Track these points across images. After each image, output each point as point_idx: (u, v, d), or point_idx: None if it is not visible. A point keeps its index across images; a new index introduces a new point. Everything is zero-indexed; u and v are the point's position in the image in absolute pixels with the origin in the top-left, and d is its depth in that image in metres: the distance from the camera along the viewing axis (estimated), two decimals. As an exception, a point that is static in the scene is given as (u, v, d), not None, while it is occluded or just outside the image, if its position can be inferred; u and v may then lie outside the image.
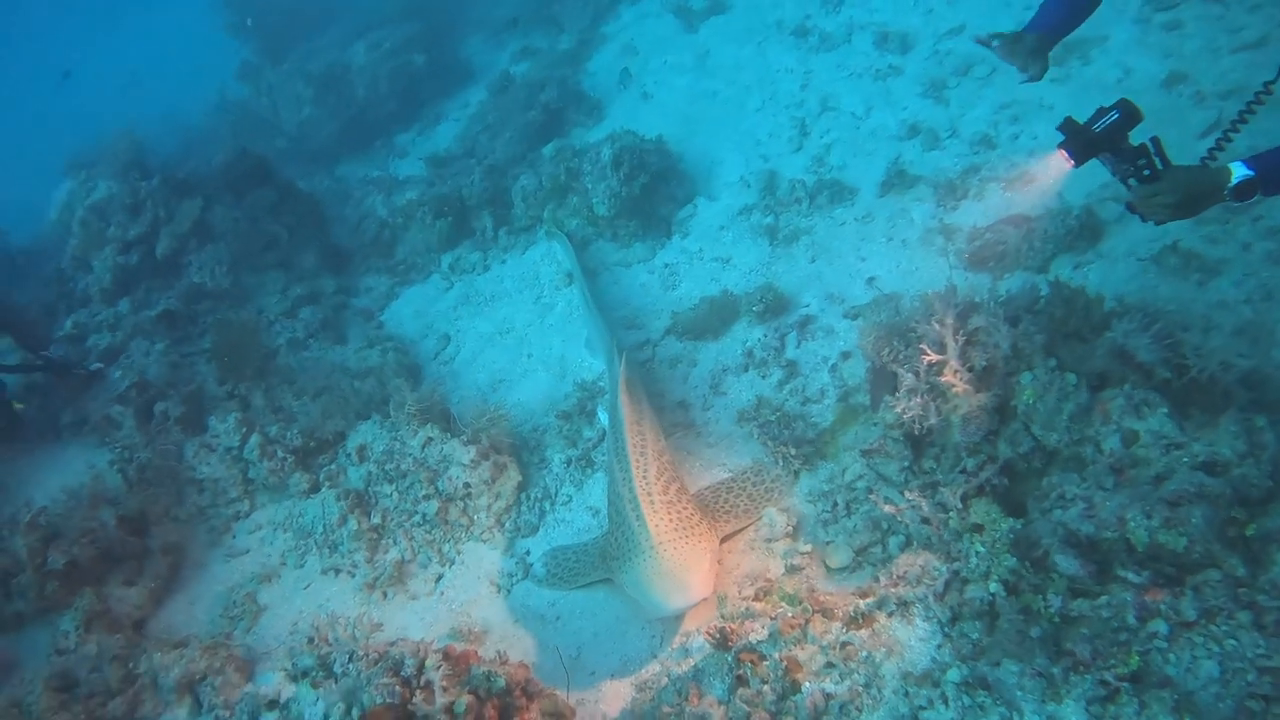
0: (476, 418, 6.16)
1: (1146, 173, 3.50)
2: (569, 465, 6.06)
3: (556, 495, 5.95)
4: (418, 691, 3.67)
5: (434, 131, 12.09)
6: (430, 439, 6.04)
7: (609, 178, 7.65)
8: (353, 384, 6.93)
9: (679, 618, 4.69)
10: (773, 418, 5.58)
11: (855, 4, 9.43)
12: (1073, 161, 3.63)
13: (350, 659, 4.00)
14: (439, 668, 3.75)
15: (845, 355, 5.92)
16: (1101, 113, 3.53)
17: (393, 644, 4.02)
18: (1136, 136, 3.59)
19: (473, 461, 5.88)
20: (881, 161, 7.33)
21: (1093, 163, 3.73)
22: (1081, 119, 3.62)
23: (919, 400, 4.33)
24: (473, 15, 14.46)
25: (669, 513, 4.65)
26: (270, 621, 5.62)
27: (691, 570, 4.44)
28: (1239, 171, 3.31)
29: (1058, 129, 3.67)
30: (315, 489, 6.31)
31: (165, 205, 8.01)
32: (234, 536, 6.31)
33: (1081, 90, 6.96)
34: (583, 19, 12.15)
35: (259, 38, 13.14)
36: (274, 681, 4.54)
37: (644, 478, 4.81)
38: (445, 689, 3.67)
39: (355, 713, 3.61)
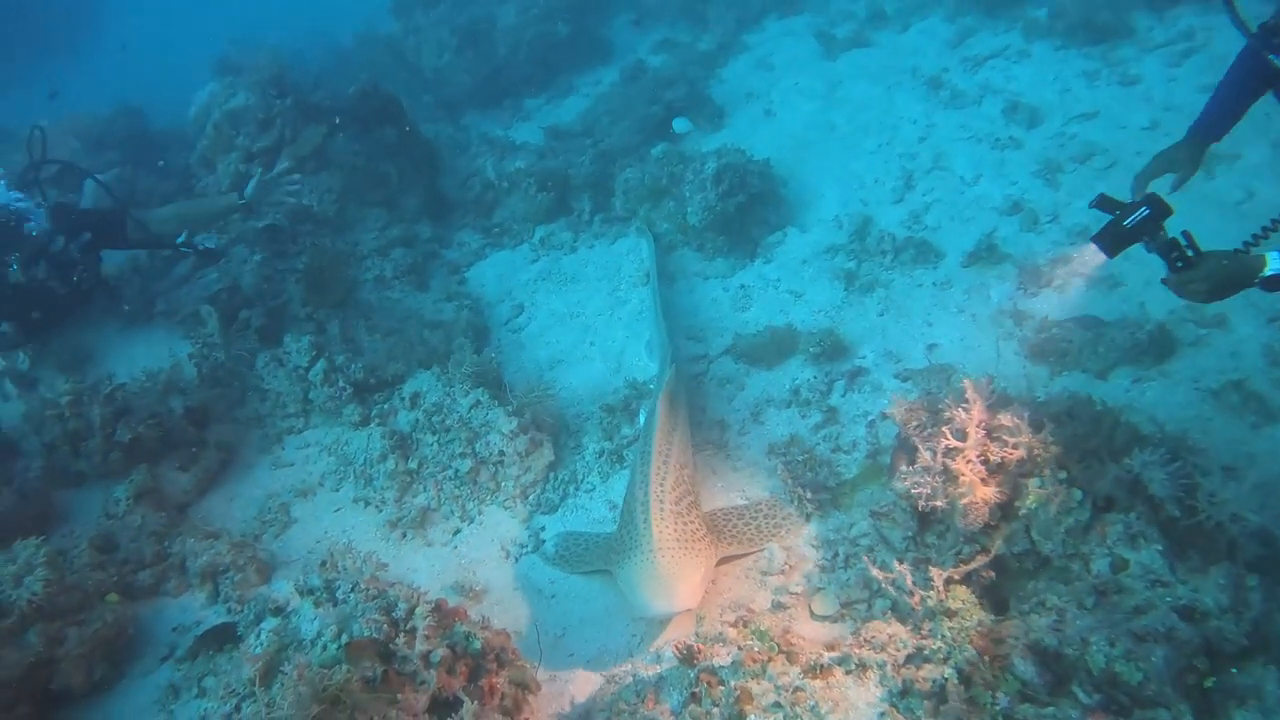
0: (526, 392, 6.47)
1: (1180, 264, 3.67)
2: (600, 456, 6.31)
3: (582, 482, 6.22)
4: (402, 634, 3.98)
5: (562, 103, 12.43)
6: (479, 402, 6.36)
7: (708, 190, 7.84)
8: (422, 332, 7.30)
9: (662, 623, 4.93)
10: (800, 458, 5.75)
11: (996, 67, 9.41)
12: (1106, 254, 3.90)
13: (353, 589, 4.33)
14: (426, 617, 4.05)
15: (885, 414, 6.05)
16: (1133, 207, 3.76)
17: (393, 585, 4.34)
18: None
19: (512, 432, 6.18)
20: (976, 231, 7.38)
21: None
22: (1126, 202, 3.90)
23: (929, 479, 4.47)
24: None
25: (675, 522, 4.88)
26: (297, 534, 6.04)
27: (682, 580, 4.66)
28: (1273, 263, 3.45)
29: (1092, 205, 3.97)
30: (365, 423, 6.70)
31: (293, 125, 8.51)
32: (283, 448, 6.75)
33: (1199, 203, 6.85)
34: (728, 22, 12.32)
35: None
36: (285, 590, 4.92)
37: (660, 484, 5.04)
38: (427, 637, 3.97)
39: (344, 638, 3.94)
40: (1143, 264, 6.36)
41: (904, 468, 4.77)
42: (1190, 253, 3.67)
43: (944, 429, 4.52)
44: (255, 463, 6.62)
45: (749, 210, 8.08)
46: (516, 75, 12.54)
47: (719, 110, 10.57)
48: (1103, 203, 3.92)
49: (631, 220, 8.75)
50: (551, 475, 6.28)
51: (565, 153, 9.93)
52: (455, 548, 5.90)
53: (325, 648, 3.90)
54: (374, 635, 3.93)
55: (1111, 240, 3.82)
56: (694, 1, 12.95)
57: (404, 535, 5.96)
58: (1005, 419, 4.42)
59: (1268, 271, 3.45)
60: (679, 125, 9.53)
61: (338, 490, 6.36)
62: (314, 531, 6.03)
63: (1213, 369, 5.56)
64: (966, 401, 4.57)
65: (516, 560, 5.76)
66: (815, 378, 6.47)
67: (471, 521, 6.07)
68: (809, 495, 5.50)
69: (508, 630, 4.55)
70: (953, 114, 9.03)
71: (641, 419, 6.27)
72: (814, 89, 10.40)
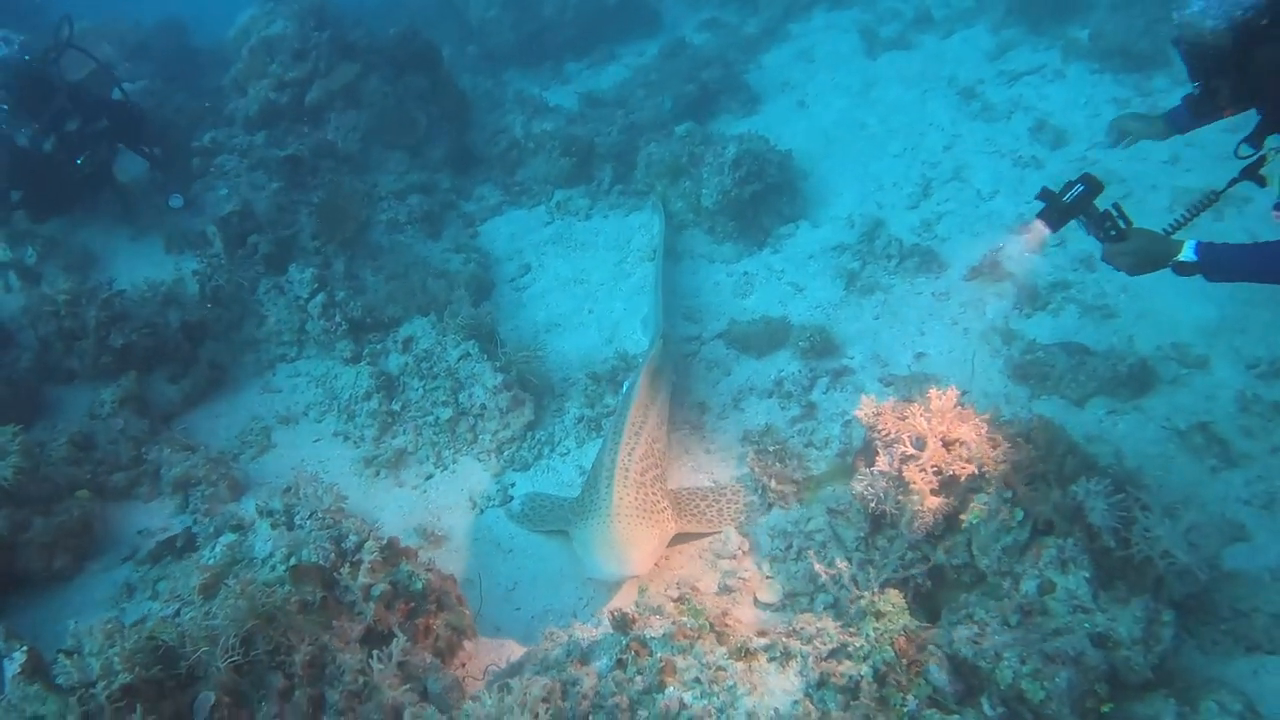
0: (516, 350, 6.60)
1: (1113, 233, 4.06)
2: (579, 422, 6.43)
3: (558, 444, 6.34)
4: (348, 565, 4.13)
5: (602, 70, 12.46)
6: (468, 354, 6.49)
7: (725, 175, 7.88)
8: (426, 280, 7.42)
9: (611, 587, 5.06)
10: (772, 448, 5.85)
11: (1030, 84, 9.36)
12: (1050, 229, 4.30)
13: (310, 516, 4.50)
14: (374, 553, 4.20)
15: (853, 415, 6.11)
16: (1070, 185, 4.21)
17: (349, 518, 4.50)
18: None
19: (497, 388, 6.30)
20: (983, 246, 7.37)
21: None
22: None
23: (884, 484, 4.55)
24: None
25: (637, 491, 4.99)
26: (273, 458, 6.22)
27: (635, 547, 4.77)
28: (1187, 251, 3.83)
29: (1036, 198, 4.37)
30: (356, 360, 6.85)
31: (328, 59, 8.61)
32: (274, 374, 6.93)
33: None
34: (776, 8, 12.29)
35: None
36: (251, 510, 5.11)
37: (628, 454, 5.14)
38: (372, 571, 4.13)
39: (292, 560, 4.10)
40: (1138, 297, 6.56)
41: (862, 469, 4.87)
42: (1121, 223, 4.05)
43: (904, 436, 4.60)
44: (245, 385, 6.80)
45: (763, 199, 8.12)
46: (561, 37, 12.57)
47: (753, 96, 10.57)
48: (1044, 194, 4.36)
49: (649, 195, 8.80)
50: (529, 434, 6.40)
51: (595, 120, 10.01)
52: (425, 492, 6.05)
53: (274, 568, 4.06)
54: (320, 562, 4.08)
55: (1054, 215, 4.23)
56: (744, -16, 12.93)
57: (377, 473, 6.11)
58: (964, 432, 4.49)
59: (1181, 257, 3.82)
60: None
61: (320, 421, 6.53)
62: (291, 458, 6.20)
63: (1186, 409, 5.59)
64: (930, 411, 4.65)
65: (482, 512, 5.90)
66: (800, 372, 6.54)
67: (445, 469, 6.22)
68: (774, 485, 5.61)
69: (455, 577, 4.70)
70: (981, 126, 9.01)
71: (624, 390, 6.38)
72: (849, 86, 10.38)
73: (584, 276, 8.07)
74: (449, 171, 9.27)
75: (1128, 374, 5.83)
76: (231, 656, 3.28)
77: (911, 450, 4.54)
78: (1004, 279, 7.10)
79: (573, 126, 9.61)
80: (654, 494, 5.11)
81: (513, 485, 6.10)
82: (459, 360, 6.50)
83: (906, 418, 4.75)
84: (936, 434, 4.55)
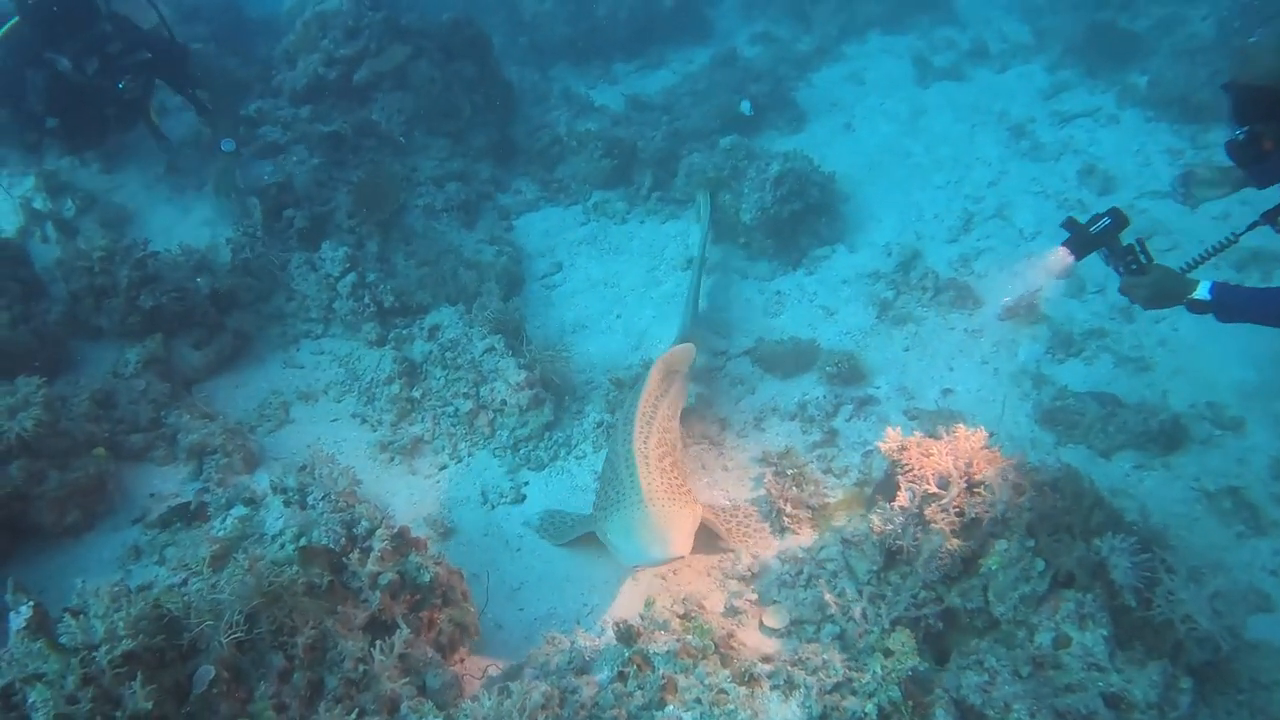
0: (542, 349, 6.57)
1: (1134, 266, 4.22)
2: (599, 427, 6.37)
3: (575, 447, 6.29)
4: (358, 551, 4.10)
5: (651, 74, 12.39)
6: (494, 348, 6.46)
7: (766, 191, 7.82)
8: (458, 269, 7.40)
9: (620, 594, 4.98)
10: (790, 471, 5.78)
11: (1082, 127, 9.25)
12: (1073, 256, 4.48)
13: (324, 497, 4.47)
14: (385, 541, 4.17)
15: (877, 446, 6.03)
16: (1097, 217, 4.34)
17: (362, 503, 4.46)
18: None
19: (519, 385, 6.27)
20: (1021, 286, 7.25)
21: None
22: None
23: (901, 520, 4.48)
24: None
25: (661, 476, 4.89)
26: (290, 434, 6.20)
27: (675, 528, 4.64)
28: (1201, 290, 4.00)
29: (1061, 226, 4.57)
30: (381, 343, 6.83)
31: (379, 40, 8.59)
32: (298, 350, 6.91)
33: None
34: (831, 28, 12.19)
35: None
36: (264, 484, 5.09)
37: (644, 441, 5.05)
38: (381, 559, 4.09)
39: (302, 541, 4.07)
40: (1175, 352, 6.47)
41: (882, 503, 4.80)
42: (1143, 258, 4.21)
43: (928, 474, 4.54)
44: (268, 358, 6.79)
45: (803, 219, 8.05)
46: (612, 37, 12.52)
47: (800, 114, 10.49)
48: (1070, 223, 4.54)
49: (689, 205, 8.73)
50: (547, 434, 6.36)
51: (640, 124, 9.96)
52: (438, 482, 6.02)
53: (283, 546, 4.02)
54: (331, 545, 4.05)
55: (1078, 243, 4.40)
56: (802, 0, 12.86)
57: (392, 459, 6.09)
58: (990, 475, 4.42)
59: (1195, 295, 3.97)
60: (745, 107, 9.60)
61: (340, 401, 6.51)
62: (307, 435, 6.18)
63: (1216, 470, 5.50)
64: (956, 450, 4.59)
65: (493, 508, 5.87)
66: (825, 397, 6.47)
67: (460, 461, 6.19)
68: (789, 509, 5.54)
69: (462, 572, 4.66)
70: (1028, 165, 8.91)
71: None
72: (898, 113, 10.29)
73: (615, 280, 8.02)
74: (489, 162, 9.24)
75: (1158, 429, 5.73)
76: (235, 633, 3.25)
77: (935, 489, 4.48)
78: (1039, 321, 7.01)
79: (617, 129, 9.57)
80: (677, 478, 5.02)
81: (526, 484, 6.06)
82: (484, 353, 6.47)
83: (931, 454, 4.69)
84: (961, 474, 4.49)
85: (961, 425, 4.83)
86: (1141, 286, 4.19)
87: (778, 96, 10.43)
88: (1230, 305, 3.96)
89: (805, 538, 5.45)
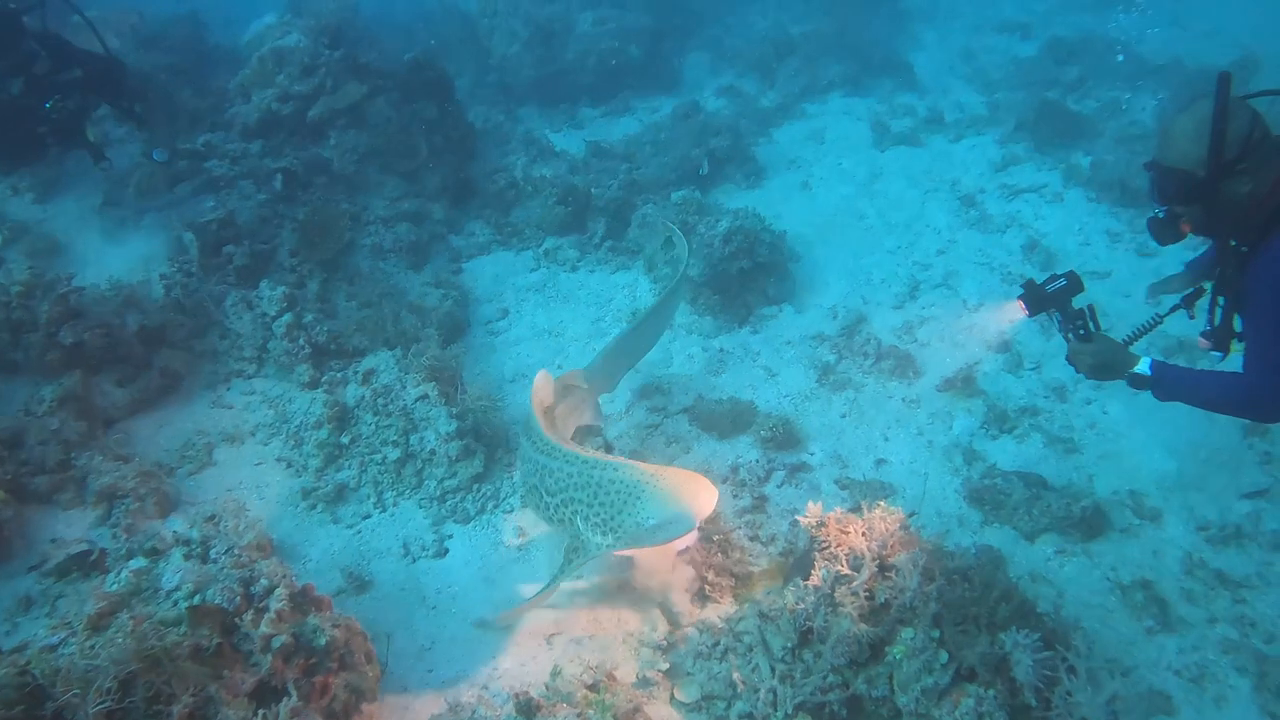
0: (476, 398, 6.50)
1: (1082, 332, 4.22)
2: (529, 480, 6.32)
3: (503, 501, 6.22)
4: (252, 610, 4.00)
5: (616, 120, 12.51)
6: (426, 396, 6.38)
7: (715, 247, 7.85)
8: (399, 312, 7.34)
9: (529, 657, 4.88)
10: (716, 537, 5.74)
11: (1029, 202, 9.41)
12: (1027, 311, 4.44)
13: (227, 551, 4.37)
14: (283, 601, 4.07)
15: (798, 520, 6.02)
16: (1054, 278, 4.33)
17: (267, 558, 4.36)
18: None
19: (449, 435, 6.20)
20: (960, 359, 7.36)
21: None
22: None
23: (813, 600, 4.45)
24: (708, 33, 14.85)
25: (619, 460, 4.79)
26: (212, 477, 6.08)
27: (692, 475, 4.59)
28: (1143, 365, 3.97)
29: (1020, 284, 4.53)
30: (314, 385, 6.75)
31: (335, 78, 8.59)
32: (229, 389, 6.80)
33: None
34: (794, 86, 12.39)
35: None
36: (175, 530, 4.97)
37: (579, 450, 4.94)
38: (275, 620, 3.99)
39: (196, 599, 3.97)
40: (1104, 436, 6.53)
41: (798, 580, 4.78)
42: (1091, 326, 4.22)
43: (842, 553, 4.52)
44: (197, 397, 6.67)
45: (751, 278, 8.08)
46: (579, 83, 12.64)
47: (759, 169, 10.60)
48: (1028, 283, 4.50)
49: (639, 256, 8.75)
50: (476, 486, 6.28)
51: (598, 172, 10.00)
52: (359, 532, 5.92)
53: (176, 604, 3.92)
54: (224, 605, 3.95)
55: (1033, 300, 4.38)
56: (770, 57, 13.04)
57: (314, 506, 5.98)
58: (902, 560, 4.40)
59: (1136, 369, 3.96)
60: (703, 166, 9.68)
61: (266, 445, 6.40)
62: (229, 478, 6.07)
63: (1132, 561, 5.53)
64: (871, 530, 4.58)
65: (414, 561, 5.77)
66: (758, 461, 6.45)
67: (384, 510, 6.10)
68: (711, 576, 5.49)
69: (366, 633, 4.56)
70: (976, 236, 9.03)
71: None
72: (855, 174, 10.43)
73: (560, 330, 7.99)
74: (444, 203, 9.22)
75: (1081, 516, 5.76)
76: (103, 702, 3.14)
77: (847, 570, 4.46)
78: (976, 395, 7.07)
79: (574, 175, 9.60)
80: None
81: (450, 537, 5.97)
82: (416, 401, 6.40)
83: (848, 532, 4.68)
84: (874, 556, 4.47)
85: (882, 503, 4.83)
86: (1086, 354, 4.19)
87: (737, 151, 10.52)
88: (1168, 383, 3.95)
89: (726, 607, 5.39)
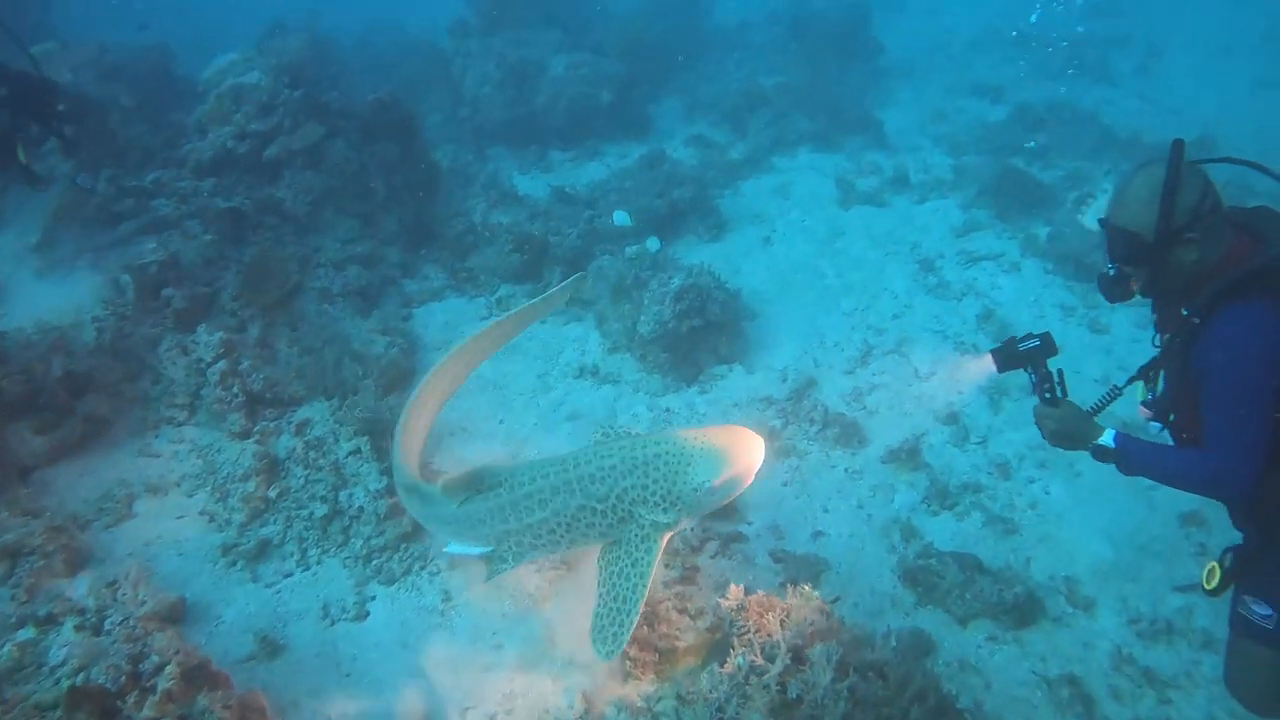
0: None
1: (1049, 395, 4.11)
2: (459, 541, 6.20)
3: (430, 562, 6.09)
4: (137, 691, 3.86)
5: (584, 165, 12.51)
6: (359, 451, 6.29)
7: (665, 305, 7.79)
8: (341, 360, 7.21)
9: None
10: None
11: (985, 270, 9.41)
12: (996, 367, 4.31)
13: (122, 622, 4.24)
14: (173, 680, 3.94)
15: (721, 600, 5.91)
16: (1029, 336, 4.23)
17: (164, 630, 4.23)
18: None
19: (379, 492, 6.10)
20: (907, 430, 7.31)
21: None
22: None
23: (725, 690, 4.35)
24: (684, 79, 14.93)
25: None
26: (130, 530, 5.92)
27: (740, 429, 4.53)
28: (1107, 437, 3.83)
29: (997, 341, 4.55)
30: (245, 435, 6.60)
31: (294, 118, 8.53)
32: (157, 437, 6.65)
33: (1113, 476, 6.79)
34: (764, 139, 12.42)
35: (485, 3, 13.67)
36: (82, 591, 4.83)
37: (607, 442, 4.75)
38: (162, 703, 3.86)
39: (80, 677, 3.83)
40: (1044, 518, 6.47)
41: (715, 665, 4.67)
42: (1060, 391, 4.12)
43: (757, 642, 4.43)
44: (123, 444, 6.52)
45: (702, 337, 8.01)
46: (550, 125, 12.65)
47: (721, 222, 10.58)
48: (1006, 341, 4.36)
49: (595, 304, 8.67)
50: (404, 546, 6.15)
51: (559, 218, 9.93)
52: (278, 592, 5.77)
53: (59, 682, 3.79)
54: (108, 684, 3.81)
55: (1004, 357, 4.27)
56: (742, 108, 13.08)
57: (234, 563, 5.84)
58: (817, 653, 4.32)
59: (1100, 441, 3.82)
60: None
61: (191, 496, 6.26)
62: (147, 532, 5.92)
63: (1062, 652, 5.44)
64: (790, 619, 4.49)
65: (333, 624, 5.63)
66: (692, 530, 6.36)
67: (307, 569, 5.96)
68: (634, 652, 5.38)
69: (265, 708, 4.42)
70: (932, 302, 9.01)
71: None
72: (817, 232, 10.43)
73: (505, 383, 7.89)
74: (400, 245, 9.15)
75: (1013, 602, 5.68)
76: (-44, 799, 3.01)
77: (760, 660, 4.36)
78: (920, 468, 7.00)
79: (532, 222, 9.53)
80: None
81: (373, 599, 5.83)
82: (348, 455, 6.29)
83: (767, 618, 4.59)
84: (789, 647, 4.38)
85: (807, 586, 4.76)
86: (1051, 419, 4.08)
87: (700, 203, 10.50)
88: (1132, 457, 3.83)
89: (646, 685, 5.28)
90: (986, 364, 4.39)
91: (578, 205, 10.54)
